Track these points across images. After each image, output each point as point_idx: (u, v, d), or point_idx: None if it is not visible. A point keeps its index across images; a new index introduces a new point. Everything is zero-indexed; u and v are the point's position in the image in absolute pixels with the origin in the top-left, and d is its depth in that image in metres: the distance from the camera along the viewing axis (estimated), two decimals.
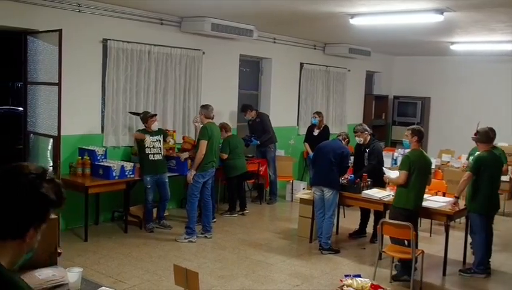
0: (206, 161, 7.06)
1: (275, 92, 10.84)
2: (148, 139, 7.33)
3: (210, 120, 7.21)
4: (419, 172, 5.91)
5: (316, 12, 7.49)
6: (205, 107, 7.27)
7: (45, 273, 3.02)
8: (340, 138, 7.20)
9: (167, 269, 5.78)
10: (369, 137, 7.57)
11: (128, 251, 6.69)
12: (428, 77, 13.65)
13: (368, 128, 7.70)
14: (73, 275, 2.98)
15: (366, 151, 7.51)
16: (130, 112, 7.90)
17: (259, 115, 9.66)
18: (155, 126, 7.44)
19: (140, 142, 7.37)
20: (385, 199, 6.65)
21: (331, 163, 6.84)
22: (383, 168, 6.99)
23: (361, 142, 7.56)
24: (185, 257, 6.51)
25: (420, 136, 6.08)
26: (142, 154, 7.34)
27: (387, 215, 6.55)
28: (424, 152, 6.17)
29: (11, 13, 6.57)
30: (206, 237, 7.30)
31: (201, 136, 7.06)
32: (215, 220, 8.01)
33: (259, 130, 9.54)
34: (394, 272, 6.04)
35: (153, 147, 7.36)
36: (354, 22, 7.76)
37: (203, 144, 6.99)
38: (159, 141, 7.46)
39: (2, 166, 1.65)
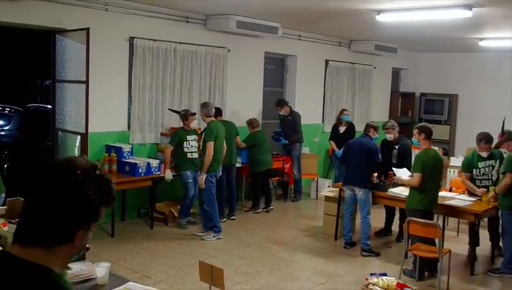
0: (214, 160, 7.01)
1: (299, 90, 10.80)
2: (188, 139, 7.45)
3: (212, 118, 7.17)
4: (432, 172, 5.82)
5: (342, 9, 7.44)
6: (205, 106, 7.23)
7: (74, 268, 3.06)
8: (370, 133, 6.95)
9: (192, 265, 5.82)
10: (397, 134, 7.49)
11: (154, 247, 6.75)
12: (456, 73, 13.43)
13: (397, 125, 7.59)
14: (101, 269, 3.02)
15: (395, 148, 7.39)
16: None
17: (292, 113, 9.61)
18: (194, 124, 7.49)
19: (180, 141, 7.39)
20: None
21: (361, 161, 6.72)
22: (392, 168, 6.85)
23: (391, 139, 7.44)
24: (210, 254, 6.54)
25: (427, 132, 5.96)
26: (181, 152, 7.39)
27: None
28: (437, 150, 6.07)
29: (40, 12, 6.67)
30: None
31: (207, 137, 6.94)
32: (224, 220, 8.00)
33: (288, 128, 9.50)
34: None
35: (191, 146, 7.43)
36: (381, 18, 7.69)
37: (210, 145, 6.90)
38: (196, 140, 7.51)
39: (52, 162, 1.58)
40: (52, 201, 1.44)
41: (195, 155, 7.48)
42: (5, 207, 3.71)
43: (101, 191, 1.53)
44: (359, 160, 6.73)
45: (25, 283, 1.40)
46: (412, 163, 6.25)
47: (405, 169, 6.68)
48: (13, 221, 3.21)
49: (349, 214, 6.94)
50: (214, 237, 7.12)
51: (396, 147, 7.40)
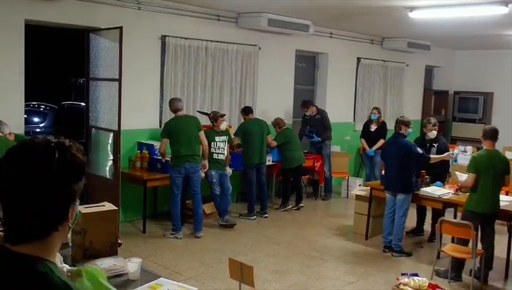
0: (176, 156, 6.91)
1: (331, 88, 10.75)
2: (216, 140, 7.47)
3: (178, 113, 7.01)
4: (488, 173, 5.61)
5: (374, 6, 7.37)
6: (170, 102, 7.16)
7: (106, 263, 3.11)
8: (402, 131, 6.65)
9: (222, 262, 5.85)
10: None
11: (184, 244, 6.81)
12: (491, 71, 13.14)
13: None
14: (133, 265, 3.06)
15: (433, 146, 7.19)
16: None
17: (319, 111, 9.59)
18: (224, 125, 7.52)
19: (208, 141, 7.42)
20: (444, 197, 6.47)
21: (400, 165, 6.48)
22: (456, 172, 6.64)
23: (434, 137, 7.19)
24: (240, 251, 6.57)
25: (484, 133, 5.81)
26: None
27: (446, 214, 6.39)
28: (499, 151, 5.87)
29: (74, 12, 6.79)
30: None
31: (161, 133, 7.11)
32: (254, 217, 8.10)
33: (317, 127, 9.48)
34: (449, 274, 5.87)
35: (218, 148, 7.46)
36: (413, 15, 7.59)
37: (163, 141, 6.94)
38: (225, 141, 7.54)
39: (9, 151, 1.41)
40: (30, 193, 1.35)
41: (221, 156, 7.51)
42: None
43: (79, 173, 1.43)
44: (398, 164, 6.49)
45: (13, 277, 1.34)
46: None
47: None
48: None
49: (390, 215, 6.73)
50: (172, 234, 7.05)
51: (435, 145, 7.22)
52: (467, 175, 6.21)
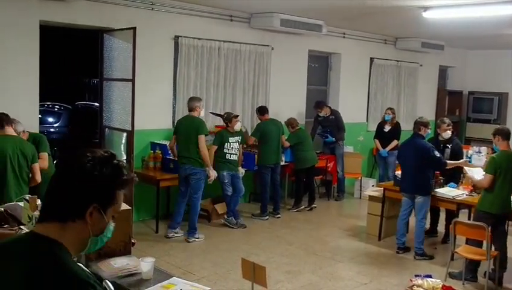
0: (178, 155, 6.97)
1: (344, 88, 10.71)
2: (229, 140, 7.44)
3: (190, 113, 6.94)
4: (506, 175, 5.55)
5: (388, 6, 7.33)
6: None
7: (120, 262, 3.13)
8: (421, 132, 6.55)
9: (235, 262, 5.85)
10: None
11: (197, 243, 6.82)
12: (506, 71, 13.00)
13: None
14: (146, 264, 3.07)
15: (447, 147, 7.11)
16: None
17: (333, 112, 9.57)
18: (238, 126, 7.50)
19: (222, 141, 7.42)
20: (458, 198, 6.42)
21: (417, 167, 6.40)
22: (464, 167, 6.59)
23: (448, 137, 7.09)
24: (252, 251, 6.57)
25: (502, 134, 5.73)
26: (220, 153, 7.42)
27: (460, 215, 6.34)
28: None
29: (89, 12, 6.84)
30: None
31: None
32: (267, 217, 8.11)
33: (331, 127, 9.45)
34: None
35: (232, 148, 7.46)
36: (427, 15, 7.54)
37: (172, 137, 7.01)
38: (238, 142, 7.54)
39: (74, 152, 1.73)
40: (64, 180, 1.65)
41: (234, 157, 7.50)
42: None
43: (112, 175, 1.66)
44: (416, 165, 6.41)
45: (31, 254, 1.57)
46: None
47: (479, 168, 6.42)
48: None
49: (404, 217, 6.68)
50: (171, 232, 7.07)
51: (449, 145, 7.16)
52: (476, 170, 6.23)
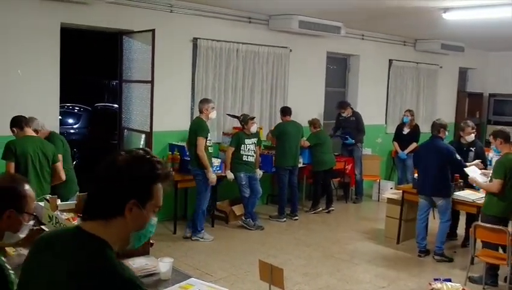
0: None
1: (362, 90, 10.66)
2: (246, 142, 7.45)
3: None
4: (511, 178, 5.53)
5: (407, 7, 7.28)
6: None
7: (138, 262, 3.15)
8: (440, 134, 6.51)
9: (252, 263, 5.85)
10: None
11: (214, 245, 6.84)
12: None
13: None
14: (164, 265, 3.09)
15: (471, 150, 7.02)
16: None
17: (354, 113, 9.53)
18: (254, 128, 7.51)
19: (238, 143, 7.43)
20: (478, 202, 6.34)
21: (438, 169, 6.33)
22: (464, 169, 6.48)
23: (471, 140, 7.02)
24: (270, 253, 6.56)
25: (504, 136, 5.70)
26: (237, 154, 7.43)
27: (480, 219, 6.26)
28: None
29: (108, 15, 6.90)
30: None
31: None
32: (284, 219, 8.09)
33: (351, 128, 9.40)
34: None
35: (248, 150, 7.46)
36: (447, 16, 7.48)
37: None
38: (254, 143, 7.54)
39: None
40: (102, 179, 1.72)
41: (251, 158, 7.51)
42: (75, 202, 3.84)
43: (147, 170, 1.72)
44: (437, 166, 6.34)
45: (79, 252, 1.64)
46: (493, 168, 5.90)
47: (474, 167, 6.40)
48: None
49: (423, 220, 6.63)
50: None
51: (472, 149, 7.06)
52: (471, 168, 6.22)
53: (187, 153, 7.32)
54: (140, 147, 7.07)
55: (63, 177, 5.27)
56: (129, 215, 1.68)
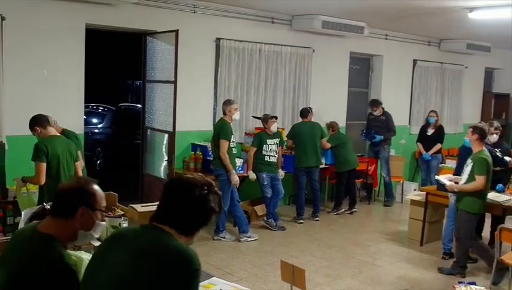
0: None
1: (385, 90, 10.57)
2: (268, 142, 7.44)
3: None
4: (489, 174, 5.73)
5: (432, 6, 7.20)
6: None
7: None
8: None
9: (274, 264, 5.85)
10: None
11: (236, 245, 6.85)
12: None
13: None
14: None
15: (496, 152, 6.97)
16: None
17: (384, 112, 9.42)
18: (274, 127, 7.50)
19: (260, 143, 7.44)
20: (506, 204, 6.23)
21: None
22: (436, 176, 6.65)
23: (495, 141, 6.89)
24: (291, 254, 6.55)
25: (480, 133, 5.78)
26: (259, 155, 7.44)
27: (506, 220, 6.16)
28: (487, 152, 5.87)
29: (133, 16, 6.97)
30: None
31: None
32: (301, 221, 8.05)
33: (380, 128, 9.28)
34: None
35: (270, 150, 7.46)
36: (473, 15, 7.38)
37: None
38: (276, 144, 7.54)
39: (175, 178, 2.31)
40: (182, 204, 2.15)
41: (273, 159, 7.50)
42: None
43: (217, 204, 2.19)
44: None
45: (142, 235, 2.16)
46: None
47: (444, 175, 6.49)
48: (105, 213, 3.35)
49: (452, 223, 6.49)
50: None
51: (497, 150, 6.96)
52: (445, 176, 6.35)
53: (210, 153, 7.35)
54: (164, 148, 7.13)
55: (80, 174, 5.27)
56: (193, 237, 2.26)
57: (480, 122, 6.77)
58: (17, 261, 2.22)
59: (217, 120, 7.78)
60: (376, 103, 9.44)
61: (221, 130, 6.76)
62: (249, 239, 7.00)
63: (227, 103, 6.94)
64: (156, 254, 2.03)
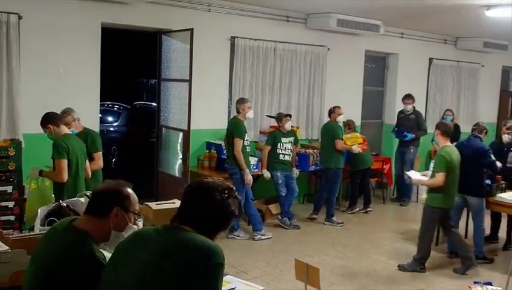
0: None
1: (401, 89, 10.48)
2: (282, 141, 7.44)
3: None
4: (454, 171, 5.84)
5: (449, 4, 7.15)
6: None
7: None
8: (476, 132, 6.48)
9: (288, 263, 5.85)
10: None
11: (250, 243, 6.86)
12: None
13: None
14: None
15: (511, 151, 6.86)
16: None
17: (415, 111, 9.22)
18: (288, 126, 7.49)
19: (275, 142, 7.44)
20: None
21: (474, 167, 6.22)
22: (405, 172, 6.75)
23: (508, 140, 6.87)
24: (306, 253, 6.54)
25: (442, 129, 5.94)
26: (274, 153, 7.44)
27: None
28: (454, 147, 6.02)
29: (148, 15, 7.01)
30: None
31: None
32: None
33: (410, 127, 9.04)
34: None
35: (285, 149, 7.46)
36: (490, 13, 7.31)
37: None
38: (291, 142, 7.53)
39: (196, 182, 2.33)
40: (203, 208, 2.20)
41: (288, 157, 7.49)
42: None
43: (237, 208, 2.24)
44: (471, 164, 6.20)
45: (168, 232, 2.19)
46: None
47: (412, 171, 6.67)
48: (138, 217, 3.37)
49: (455, 219, 6.53)
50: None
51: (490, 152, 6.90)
52: (412, 172, 6.67)
53: (224, 152, 7.35)
54: (179, 146, 7.15)
55: (90, 174, 5.26)
56: (214, 238, 2.24)
57: (481, 122, 6.77)
58: (51, 256, 2.29)
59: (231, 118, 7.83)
60: (408, 97, 9.15)
61: (235, 128, 6.77)
62: (263, 237, 7.00)
63: (241, 101, 6.95)
64: (181, 249, 2.07)
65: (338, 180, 8.00)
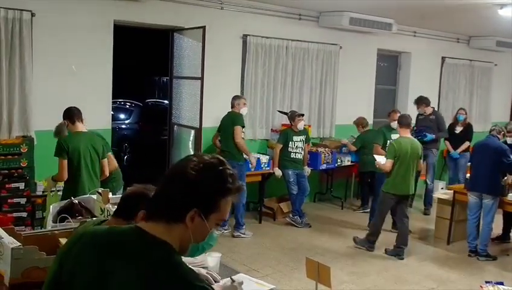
0: None
1: (413, 88, 10.43)
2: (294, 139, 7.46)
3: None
4: (404, 159, 6.25)
5: (461, 3, 7.10)
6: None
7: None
8: (495, 132, 6.54)
9: (299, 261, 5.84)
10: None
11: (261, 241, 6.87)
12: None
13: None
14: (212, 259, 3.13)
15: None
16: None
17: (434, 112, 8.96)
18: (301, 125, 7.50)
19: (286, 140, 7.45)
20: None
21: (492, 166, 6.26)
22: (374, 155, 7.06)
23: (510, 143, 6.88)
24: (317, 251, 6.54)
25: (400, 122, 6.51)
26: (285, 151, 7.45)
27: None
28: (413, 139, 6.54)
29: (160, 12, 7.03)
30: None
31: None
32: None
33: (430, 128, 8.69)
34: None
35: (296, 147, 7.47)
36: (504, 12, 7.25)
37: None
38: (302, 141, 7.54)
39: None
40: (169, 183, 1.65)
41: (299, 156, 7.50)
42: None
43: (216, 182, 1.61)
44: (489, 164, 6.27)
45: (154, 253, 1.56)
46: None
47: (383, 156, 6.82)
48: None
49: (475, 220, 6.55)
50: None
51: None
52: (381, 157, 6.86)
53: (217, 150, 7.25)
54: (190, 144, 7.17)
55: (107, 173, 5.25)
56: (190, 224, 1.59)
57: (509, 123, 7.11)
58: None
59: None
60: (419, 101, 8.82)
61: (236, 117, 6.87)
62: (242, 235, 6.99)
63: (236, 97, 7.09)
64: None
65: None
